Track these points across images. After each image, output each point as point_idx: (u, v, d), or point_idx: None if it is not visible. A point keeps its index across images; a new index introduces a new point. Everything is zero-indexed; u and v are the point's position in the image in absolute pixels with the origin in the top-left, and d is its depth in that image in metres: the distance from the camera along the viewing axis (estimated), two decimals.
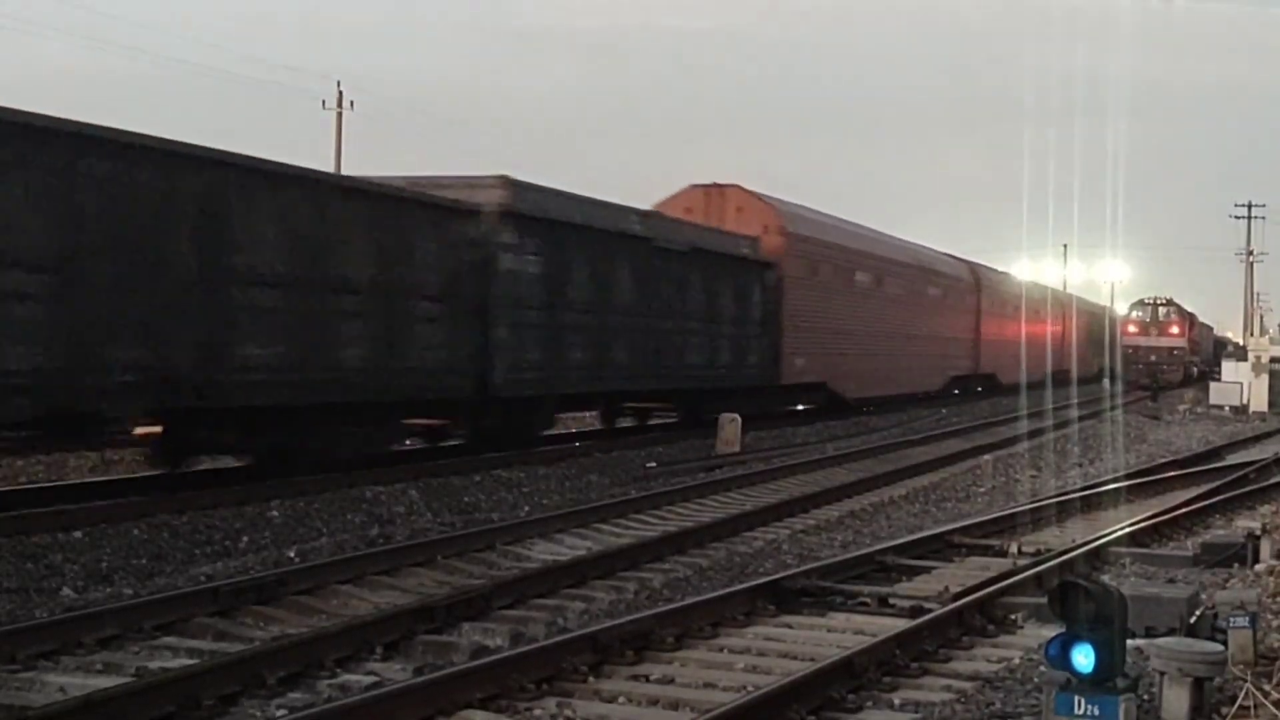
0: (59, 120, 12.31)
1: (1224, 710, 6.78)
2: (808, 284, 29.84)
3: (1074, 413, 33.27)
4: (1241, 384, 41.34)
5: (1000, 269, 53.47)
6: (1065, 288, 73.66)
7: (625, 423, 25.69)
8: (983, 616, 9.62)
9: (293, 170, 15.68)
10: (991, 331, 45.27)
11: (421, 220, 17.48)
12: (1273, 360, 42.77)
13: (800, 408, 31.41)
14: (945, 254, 44.33)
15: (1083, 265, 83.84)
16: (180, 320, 13.65)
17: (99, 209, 12.71)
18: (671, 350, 24.15)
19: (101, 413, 13.80)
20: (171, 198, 13.55)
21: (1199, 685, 6.73)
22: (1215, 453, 25.46)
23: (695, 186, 29.78)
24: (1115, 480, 18.85)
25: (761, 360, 27.74)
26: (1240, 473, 20.05)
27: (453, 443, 19.98)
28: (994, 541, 13.35)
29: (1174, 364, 55.93)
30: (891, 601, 10.28)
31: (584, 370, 21.27)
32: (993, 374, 44.66)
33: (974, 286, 44.63)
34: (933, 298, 39.71)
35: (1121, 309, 63.88)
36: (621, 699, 7.64)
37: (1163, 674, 6.76)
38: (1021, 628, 9.51)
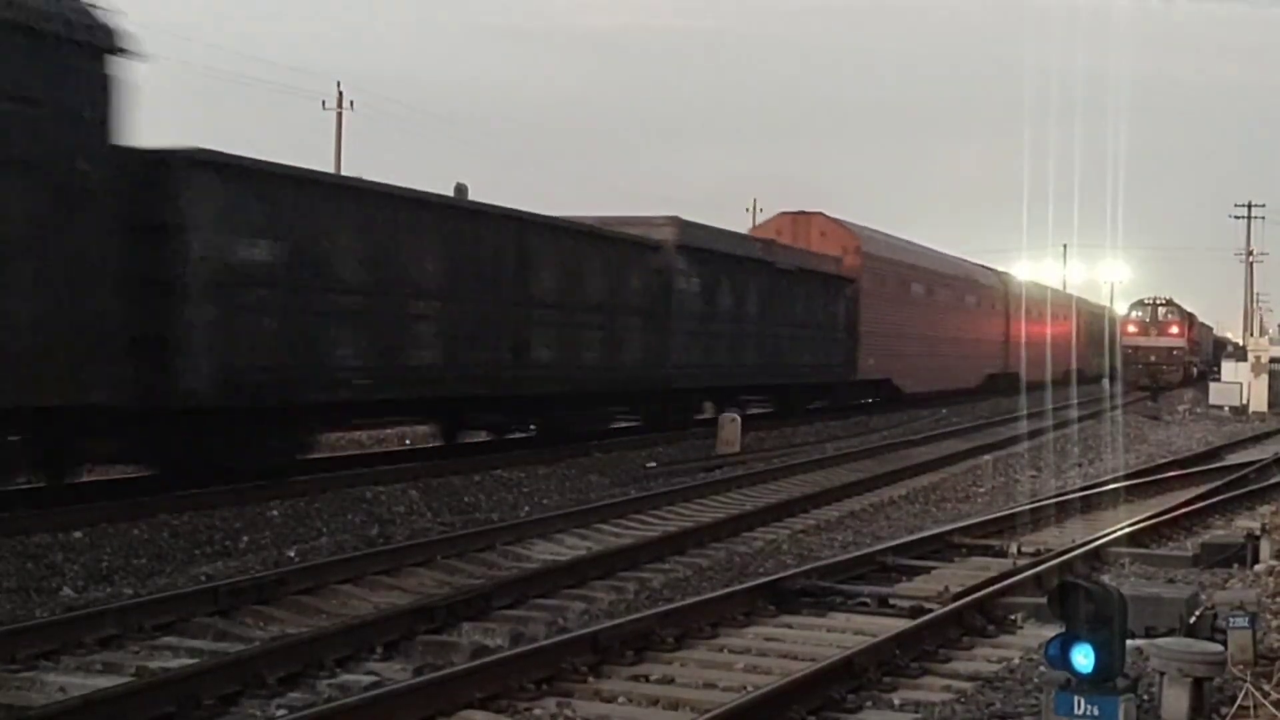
0: (444, 196, 18.65)
1: (1223, 710, 6.78)
2: (877, 296, 34.83)
3: (1074, 413, 33.29)
4: (1241, 384, 41.33)
5: (1029, 278, 57.51)
6: (1065, 288, 73.77)
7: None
8: (983, 617, 9.62)
9: (562, 222, 21.66)
10: (1018, 334, 48.56)
11: (631, 255, 23.08)
12: (1272, 360, 42.78)
13: (870, 400, 36.11)
14: (980, 265, 49.73)
15: (1083, 265, 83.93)
16: (506, 332, 19.16)
17: (465, 256, 18.24)
18: (782, 352, 29.25)
19: (458, 394, 18.62)
20: (503, 246, 19.16)
21: (1199, 685, 6.74)
22: (1215, 453, 25.46)
23: (785, 214, 35.22)
24: (1115, 480, 18.85)
25: (843, 360, 32.86)
26: (1240, 473, 20.05)
27: (629, 424, 24.91)
28: (994, 542, 13.36)
29: (1174, 364, 55.90)
30: (891, 602, 10.28)
31: (725, 368, 26.68)
32: (1016, 373, 47.64)
33: (1004, 294, 49.23)
34: (970, 305, 44.95)
35: (1121, 309, 63.87)
36: (621, 699, 7.65)
37: (1162, 674, 6.76)
38: (1021, 628, 9.51)
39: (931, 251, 42.99)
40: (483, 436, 21.21)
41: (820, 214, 34.88)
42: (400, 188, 17.30)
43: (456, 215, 18.48)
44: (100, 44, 12.30)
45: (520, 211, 19.97)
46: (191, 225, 13.64)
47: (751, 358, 27.77)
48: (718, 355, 26.11)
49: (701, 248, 25.26)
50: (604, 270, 22.02)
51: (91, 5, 12.22)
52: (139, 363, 12.90)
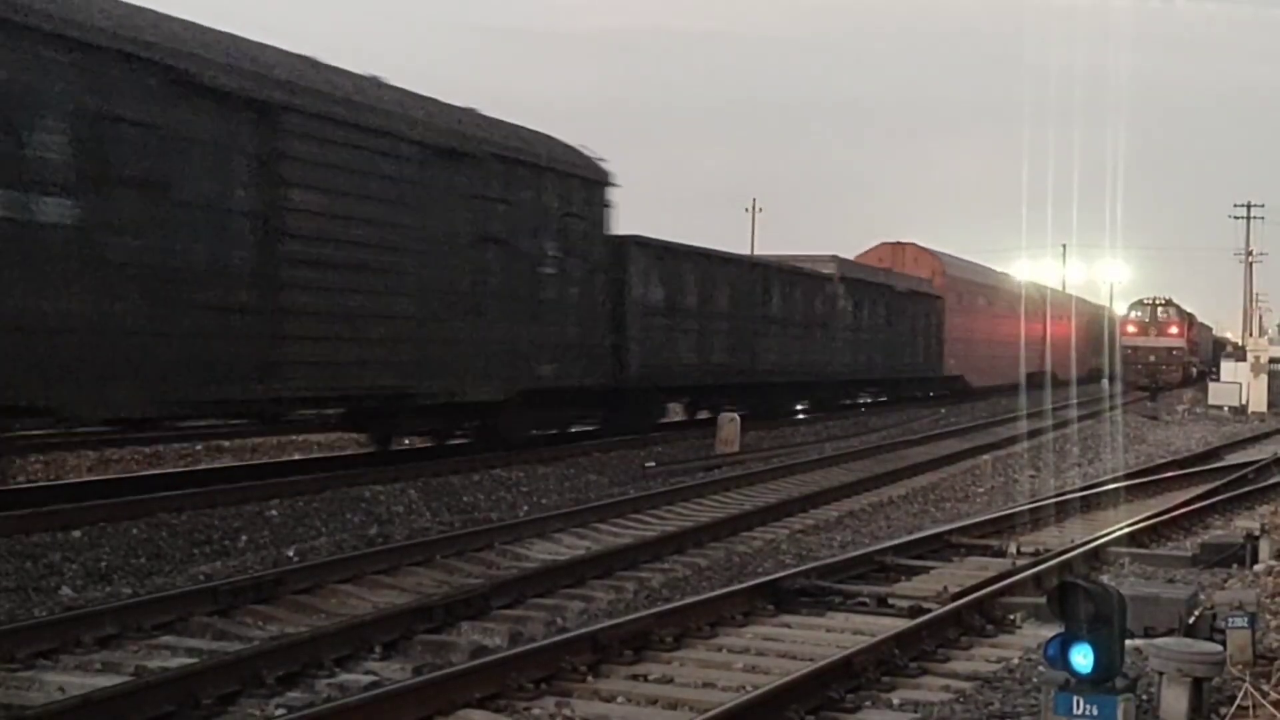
0: (729, 254, 29.38)
1: (1222, 710, 6.78)
2: (956, 309, 44.29)
3: (1073, 413, 33.31)
4: (1240, 384, 41.35)
5: (1029, 277, 61.94)
6: (1065, 288, 73.82)
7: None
8: (981, 616, 9.62)
9: (782, 263, 31.77)
10: (1051, 336, 54.41)
11: (815, 286, 32.38)
12: (1272, 360, 42.78)
13: (940, 394, 43.28)
14: (1023, 280, 57.03)
15: (1082, 265, 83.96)
16: (746, 340, 28.03)
17: (716, 288, 26.60)
18: (899, 353, 38.24)
19: (709, 384, 26.99)
20: (753, 283, 28.59)
21: (1198, 685, 6.74)
22: (1214, 453, 25.47)
23: (884, 243, 44.41)
24: (1114, 480, 18.86)
25: (935, 360, 41.97)
26: (1239, 473, 20.05)
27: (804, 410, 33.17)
28: (993, 541, 13.36)
29: (1173, 364, 55.93)
30: (890, 601, 10.28)
31: (864, 366, 35.59)
32: (1052, 371, 51.73)
33: (1040, 301, 55.03)
34: (1018, 313, 50.67)
35: (1121, 309, 63.90)
36: (620, 698, 7.64)
37: (1161, 674, 6.76)
38: (1020, 628, 9.51)
39: (990, 270, 53.62)
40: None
41: (913, 244, 44.83)
42: (710, 251, 27.25)
43: (734, 264, 28.64)
44: (605, 181, 21.81)
45: (765, 257, 33.92)
46: (631, 280, 22.92)
47: (880, 359, 36.75)
48: (861, 356, 35.18)
49: (852, 277, 34.92)
50: (802, 296, 31.42)
51: (601, 159, 21.77)
52: (610, 361, 21.95)
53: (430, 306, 16.99)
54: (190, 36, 13.76)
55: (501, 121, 19.54)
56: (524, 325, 19.17)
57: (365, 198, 15.72)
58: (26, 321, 11.57)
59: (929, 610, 9.57)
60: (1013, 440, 26.08)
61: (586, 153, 21.47)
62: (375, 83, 16.82)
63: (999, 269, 56.06)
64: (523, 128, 20.01)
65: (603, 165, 21.66)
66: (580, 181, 20.84)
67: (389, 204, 16.15)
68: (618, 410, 23.27)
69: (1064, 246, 79.90)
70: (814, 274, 32.37)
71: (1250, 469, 20.62)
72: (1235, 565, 11.85)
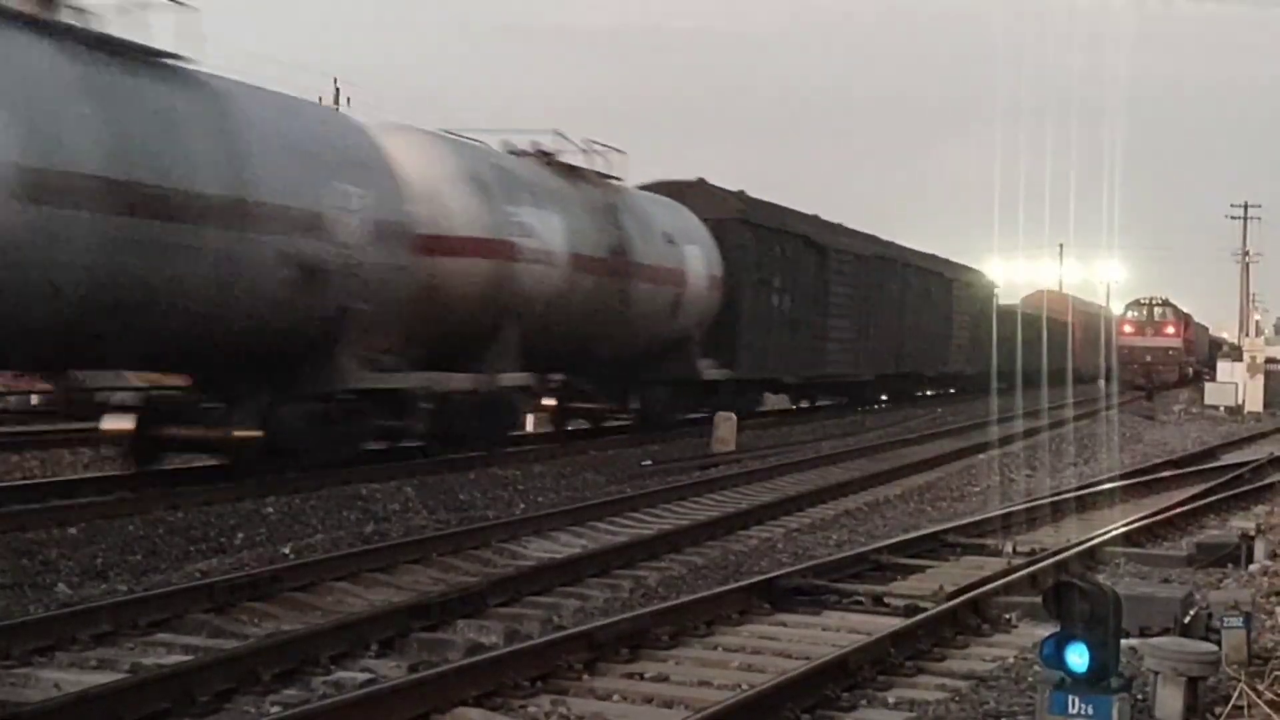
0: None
1: (1218, 710, 6.79)
2: (1079, 328, 57.69)
3: (1069, 412, 33.31)
4: (1237, 384, 41.36)
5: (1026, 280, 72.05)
6: (1061, 288, 73.85)
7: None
8: (977, 615, 9.63)
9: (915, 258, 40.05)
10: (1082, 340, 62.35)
11: (969, 290, 44.59)
12: (1268, 361, 42.81)
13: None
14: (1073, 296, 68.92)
15: (1079, 265, 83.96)
16: (893, 343, 36.45)
17: (873, 294, 35.00)
18: (1036, 358, 40.95)
19: (861, 377, 34.55)
20: (883, 283, 36.18)
21: (1193, 685, 6.75)
22: (1210, 453, 25.47)
23: (1040, 291, 62.51)
24: (1110, 480, 18.87)
25: (1063, 364, 48.24)
26: (1235, 473, 20.05)
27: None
28: (989, 541, 13.36)
29: (1170, 364, 55.96)
30: (886, 600, 10.28)
31: (1002, 366, 40.20)
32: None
33: (1066, 309, 60.99)
34: (1101, 326, 61.66)
35: (1117, 309, 63.98)
36: (616, 697, 7.65)
37: (1157, 674, 6.77)
38: (1016, 627, 9.52)
39: (1086, 300, 69.28)
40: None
41: (1057, 291, 66.02)
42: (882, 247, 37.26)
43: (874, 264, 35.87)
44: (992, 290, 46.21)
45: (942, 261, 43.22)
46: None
47: (1029, 361, 40.61)
48: (1013, 358, 40.85)
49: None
50: (964, 303, 43.12)
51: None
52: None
53: (868, 332, 34.39)
54: (778, 215, 30.14)
55: (901, 246, 38.89)
56: (890, 338, 36.63)
57: (857, 284, 33.51)
58: (770, 343, 28.32)
59: (925, 609, 9.57)
60: (1009, 439, 26.07)
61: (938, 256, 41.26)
62: (869, 237, 36.26)
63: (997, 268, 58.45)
64: (904, 247, 39.38)
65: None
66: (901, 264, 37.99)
67: (864, 286, 34.05)
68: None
69: (1060, 246, 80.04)
70: (977, 282, 46.07)
71: (1246, 469, 20.62)
72: (1231, 565, 11.86)
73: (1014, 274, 59.42)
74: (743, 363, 26.76)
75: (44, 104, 12.48)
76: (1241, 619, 7.76)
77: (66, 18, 13.06)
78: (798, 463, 21.01)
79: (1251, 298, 77.86)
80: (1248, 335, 56.52)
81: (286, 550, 11.95)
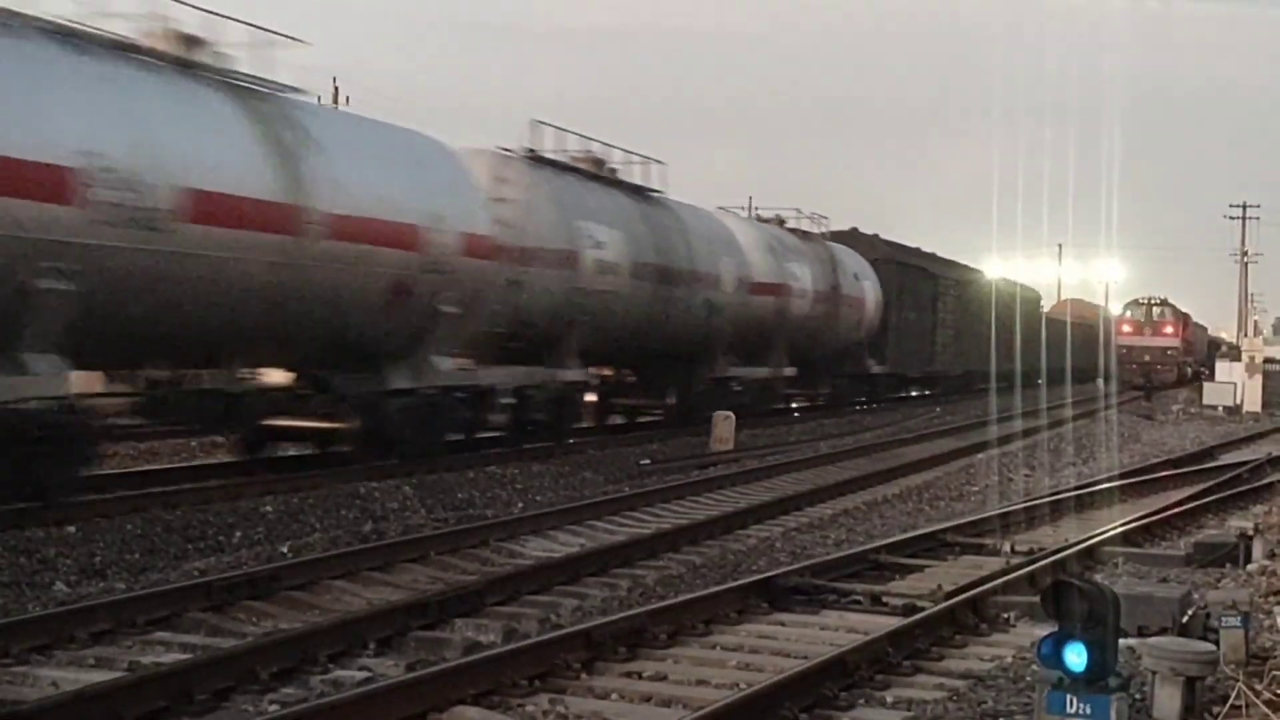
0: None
1: (1216, 710, 6.79)
2: (1124, 335, 57.08)
3: (1068, 412, 33.33)
4: (1235, 384, 41.35)
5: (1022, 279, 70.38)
6: (1060, 289, 73.95)
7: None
8: (975, 615, 9.63)
9: (954, 271, 46.44)
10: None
11: (1025, 303, 50.24)
12: (1266, 361, 42.80)
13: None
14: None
15: (1078, 265, 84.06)
16: (976, 346, 43.43)
17: (963, 308, 44.36)
18: (1091, 360, 49.74)
19: (954, 372, 43.50)
20: (969, 300, 44.84)
21: (1191, 685, 6.75)
22: (1208, 453, 25.48)
23: (1074, 299, 64.84)
24: (1109, 480, 18.87)
25: (1108, 368, 51.72)
26: (1233, 473, 20.07)
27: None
28: (987, 540, 13.36)
29: (1168, 364, 55.93)
30: (884, 600, 10.28)
31: (1052, 365, 45.83)
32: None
33: (1095, 317, 65.71)
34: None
35: (1116, 309, 64.02)
36: (614, 696, 7.64)
37: (1155, 673, 6.78)
38: (1014, 626, 9.52)
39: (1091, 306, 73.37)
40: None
41: (1085, 301, 71.15)
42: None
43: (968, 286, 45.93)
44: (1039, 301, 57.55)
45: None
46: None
47: (1057, 360, 46.95)
48: (1063, 359, 46.75)
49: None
50: (1022, 314, 46.42)
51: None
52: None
53: (960, 337, 42.97)
54: (908, 253, 41.40)
55: (979, 270, 49.02)
56: (975, 343, 44.04)
57: (954, 302, 42.67)
58: (904, 348, 39.67)
59: (923, 609, 9.57)
60: (1008, 439, 26.08)
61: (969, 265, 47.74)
62: (961, 265, 46.42)
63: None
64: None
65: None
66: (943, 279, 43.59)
67: (958, 303, 42.92)
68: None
69: (1059, 246, 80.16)
70: (1030, 296, 54.24)
71: (1244, 469, 20.64)
72: (1229, 565, 11.86)
73: (1012, 273, 59.31)
74: (890, 361, 38.42)
75: (635, 229, 23.69)
76: (1239, 619, 7.76)
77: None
78: (796, 462, 21.01)
79: (1250, 298, 77.90)
80: (1246, 335, 56.48)
81: (285, 549, 11.95)
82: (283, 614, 9.63)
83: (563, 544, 13.15)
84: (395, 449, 17.09)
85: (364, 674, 7.98)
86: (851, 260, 35.72)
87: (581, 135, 23.99)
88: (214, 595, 9.69)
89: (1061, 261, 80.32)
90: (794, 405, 33.88)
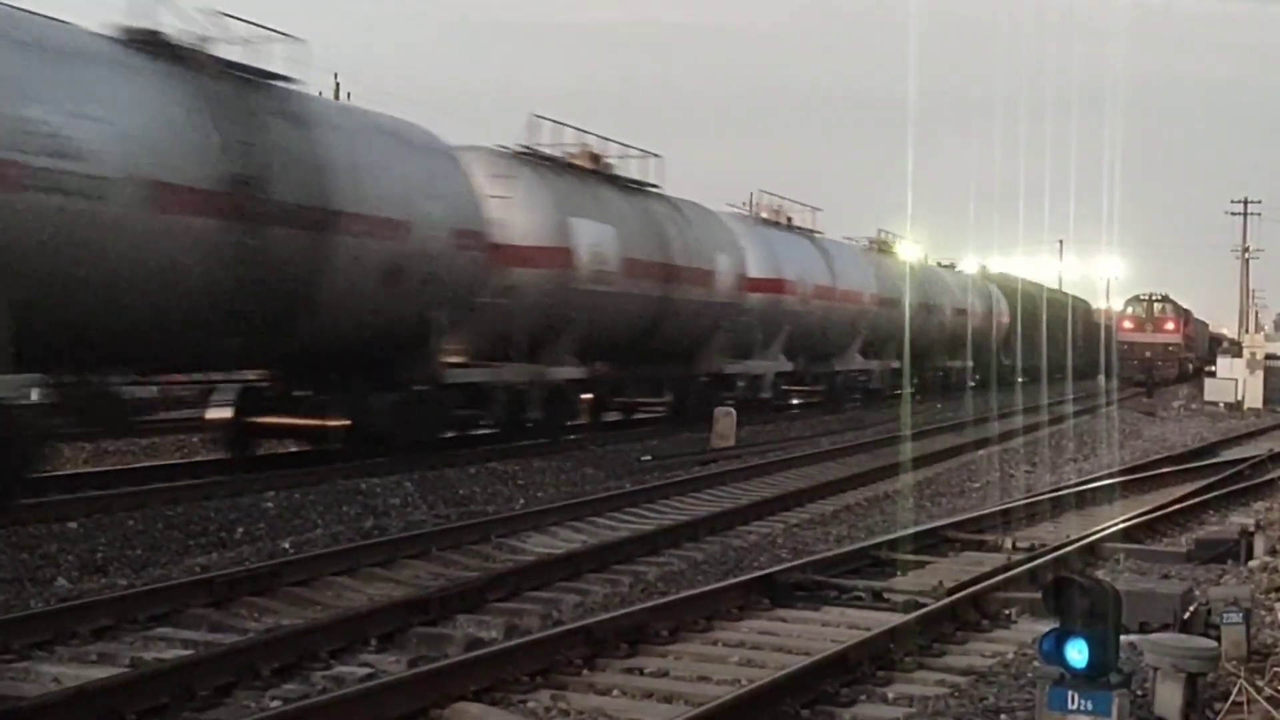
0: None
1: (1217, 706, 6.79)
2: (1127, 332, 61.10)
3: (1069, 408, 33.31)
4: (1236, 380, 41.36)
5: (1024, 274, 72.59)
6: (1061, 284, 73.89)
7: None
8: (977, 611, 9.63)
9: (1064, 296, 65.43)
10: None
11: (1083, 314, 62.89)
12: (1268, 357, 42.80)
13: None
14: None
15: (1078, 261, 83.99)
16: (1059, 347, 53.25)
17: (1056, 318, 54.75)
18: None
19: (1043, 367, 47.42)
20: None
21: (1192, 681, 6.75)
22: (1210, 449, 25.48)
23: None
24: (1110, 476, 18.86)
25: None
26: (1234, 469, 20.06)
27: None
28: (988, 536, 13.36)
29: (1169, 360, 55.94)
30: (885, 596, 10.29)
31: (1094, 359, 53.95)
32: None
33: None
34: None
35: (1117, 305, 64.00)
36: (616, 692, 7.65)
37: (1156, 669, 6.78)
38: (1015, 623, 9.52)
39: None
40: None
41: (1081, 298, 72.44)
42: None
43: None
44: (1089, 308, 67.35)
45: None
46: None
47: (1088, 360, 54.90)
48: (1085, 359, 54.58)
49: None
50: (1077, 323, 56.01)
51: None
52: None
53: (1054, 340, 50.11)
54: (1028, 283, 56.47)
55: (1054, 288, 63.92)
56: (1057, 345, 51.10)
57: (1049, 313, 49.87)
58: (1020, 349, 49.95)
59: (924, 605, 9.58)
60: (1009, 435, 26.08)
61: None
62: (1050, 287, 61.06)
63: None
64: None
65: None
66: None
67: (1050, 313, 49.93)
68: None
69: (1060, 242, 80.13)
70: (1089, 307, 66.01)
71: (1245, 465, 20.62)
72: (1230, 561, 11.85)
73: (1013, 270, 59.35)
74: (1014, 359, 49.50)
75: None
76: (1241, 615, 7.76)
77: None
78: (797, 458, 21.00)
79: (1251, 293, 77.85)
80: (1248, 331, 56.48)
81: (286, 545, 11.96)
82: (284, 610, 9.63)
83: (564, 540, 13.15)
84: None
85: (365, 670, 7.98)
86: (991, 288, 51.27)
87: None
88: (215, 591, 9.69)
89: (1062, 257, 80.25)
90: (793, 402, 33.99)
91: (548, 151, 22.58)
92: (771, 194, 34.79)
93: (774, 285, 30.65)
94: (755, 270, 29.37)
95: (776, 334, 30.79)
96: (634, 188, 25.12)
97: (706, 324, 26.63)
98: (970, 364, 46.87)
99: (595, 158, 24.13)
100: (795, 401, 33.81)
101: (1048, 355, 50.21)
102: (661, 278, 24.46)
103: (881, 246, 41.77)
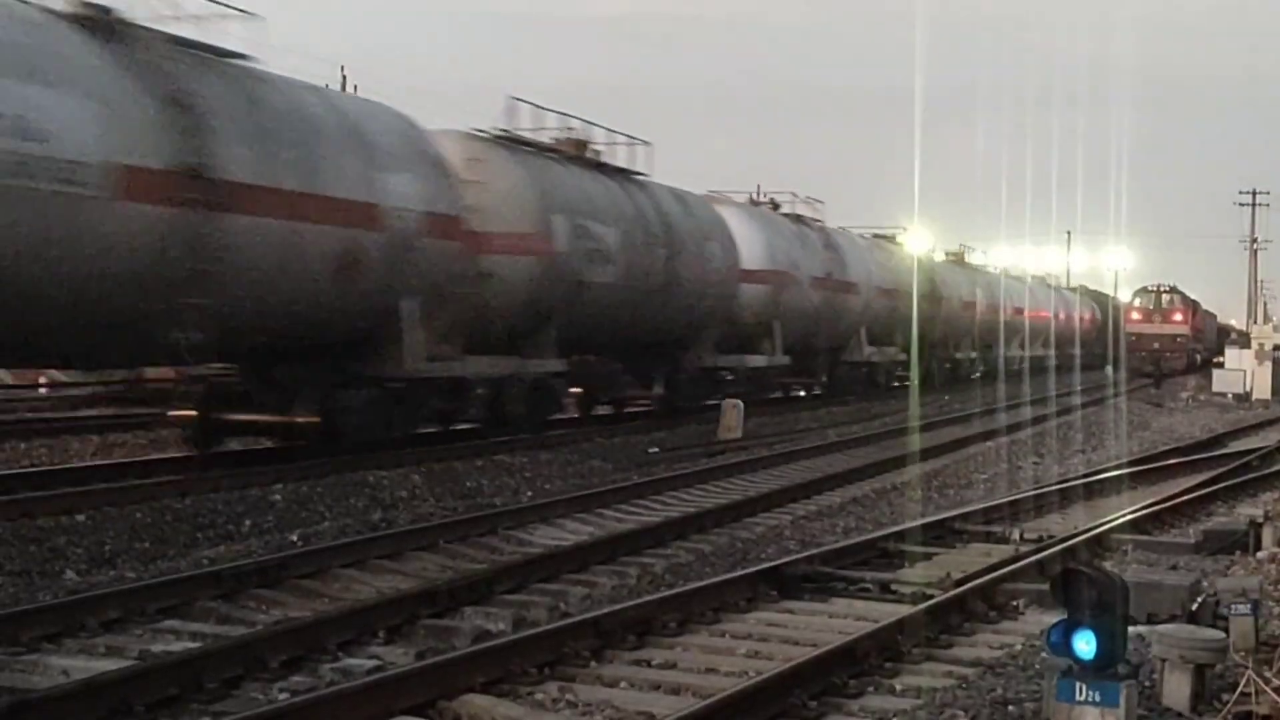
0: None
1: (1225, 697, 6.78)
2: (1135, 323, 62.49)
3: (1077, 399, 33.27)
4: (1244, 371, 41.27)
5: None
6: (1069, 276, 73.75)
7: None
8: (985, 603, 9.63)
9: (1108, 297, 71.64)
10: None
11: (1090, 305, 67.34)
12: (1276, 348, 42.70)
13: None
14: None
15: (1086, 252, 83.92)
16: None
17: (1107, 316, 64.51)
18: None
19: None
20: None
21: (1200, 672, 6.74)
22: (1218, 440, 25.43)
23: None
24: (1118, 467, 18.84)
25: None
26: (1242, 460, 20.03)
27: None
28: (996, 528, 13.36)
29: (1177, 351, 55.84)
30: (893, 587, 10.29)
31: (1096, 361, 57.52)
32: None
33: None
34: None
35: (1125, 296, 63.94)
36: (623, 684, 7.65)
37: (1164, 661, 6.77)
38: (1023, 614, 9.51)
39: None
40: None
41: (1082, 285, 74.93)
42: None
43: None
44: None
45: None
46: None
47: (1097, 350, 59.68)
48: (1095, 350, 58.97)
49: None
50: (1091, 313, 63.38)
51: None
52: None
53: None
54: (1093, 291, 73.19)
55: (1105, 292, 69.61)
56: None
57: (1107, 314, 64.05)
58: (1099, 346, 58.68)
59: (932, 596, 9.58)
60: (1016, 427, 26.05)
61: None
62: (1100, 292, 71.76)
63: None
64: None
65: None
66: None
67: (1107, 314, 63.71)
68: None
69: (1069, 233, 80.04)
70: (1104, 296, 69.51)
71: (1254, 456, 20.60)
72: (1238, 552, 11.85)
73: (1022, 261, 59.38)
74: (1099, 354, 55.15)
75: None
76: (1249, 606, 7.75)
77: None
78: (805, 450, 20.99)
79: (1260, 284, 77.79)
80: (1256, 322, 56.37)
81: (294, 537, 11.98)
82: (292, 602, 9.65)
83: (571, 532, 13.16)
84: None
85: (373, 662, 7.99)
86: (1078, 298, 60.98)
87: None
88: (224, 584, 9.71)
89: (1070, 249, 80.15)
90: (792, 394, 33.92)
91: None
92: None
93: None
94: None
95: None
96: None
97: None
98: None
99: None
100: (798, 394, 33.77)
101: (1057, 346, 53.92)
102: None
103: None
